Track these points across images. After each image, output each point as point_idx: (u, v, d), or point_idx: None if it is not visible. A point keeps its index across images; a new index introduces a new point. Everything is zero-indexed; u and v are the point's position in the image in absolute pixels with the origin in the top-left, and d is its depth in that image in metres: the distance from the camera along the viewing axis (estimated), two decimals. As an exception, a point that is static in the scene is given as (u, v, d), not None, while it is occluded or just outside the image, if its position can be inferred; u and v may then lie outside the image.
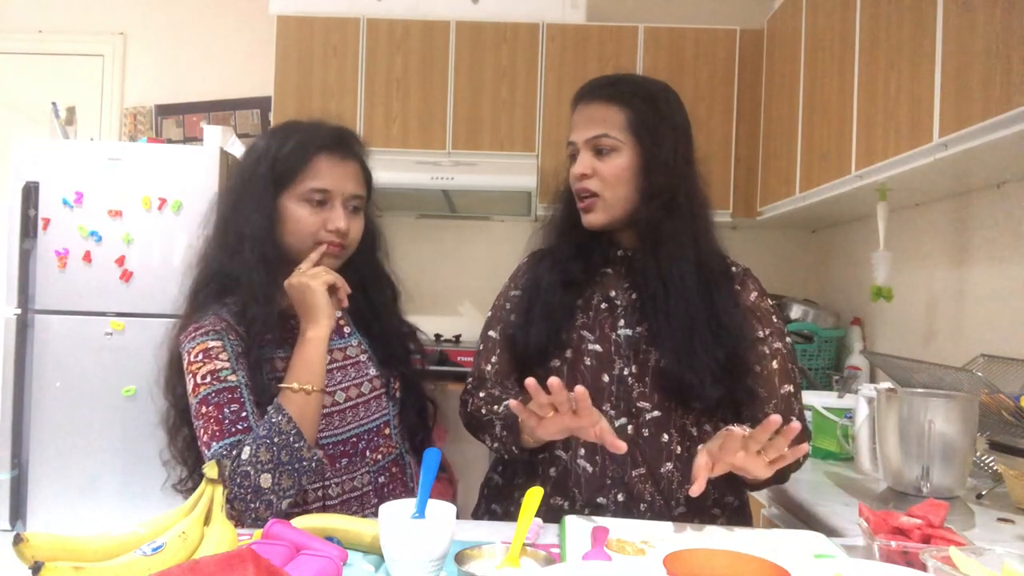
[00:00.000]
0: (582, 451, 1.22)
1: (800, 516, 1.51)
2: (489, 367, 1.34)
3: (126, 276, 2.66)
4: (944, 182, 1.95)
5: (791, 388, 1.27)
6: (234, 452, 1.07)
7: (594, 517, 1.13)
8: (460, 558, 0.89)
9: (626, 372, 1.23)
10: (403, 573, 0.88)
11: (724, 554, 0.85)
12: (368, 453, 1.27)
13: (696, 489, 1.04)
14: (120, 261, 2.66)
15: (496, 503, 1.33)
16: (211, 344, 1.15)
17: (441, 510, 0.93)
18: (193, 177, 2.68)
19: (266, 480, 1.06)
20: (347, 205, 1.25)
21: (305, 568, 0.85)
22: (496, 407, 1.23)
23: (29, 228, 2.66)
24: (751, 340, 1.24)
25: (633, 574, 0.86)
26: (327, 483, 1.22)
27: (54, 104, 3.05)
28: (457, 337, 3.17)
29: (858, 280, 2.72)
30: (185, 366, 1.16)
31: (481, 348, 1.37)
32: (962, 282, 2.06)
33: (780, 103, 2.69)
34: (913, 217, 2.30)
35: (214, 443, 1.08)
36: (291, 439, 1.08)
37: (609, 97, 1.26)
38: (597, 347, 1.25)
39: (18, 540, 0.81)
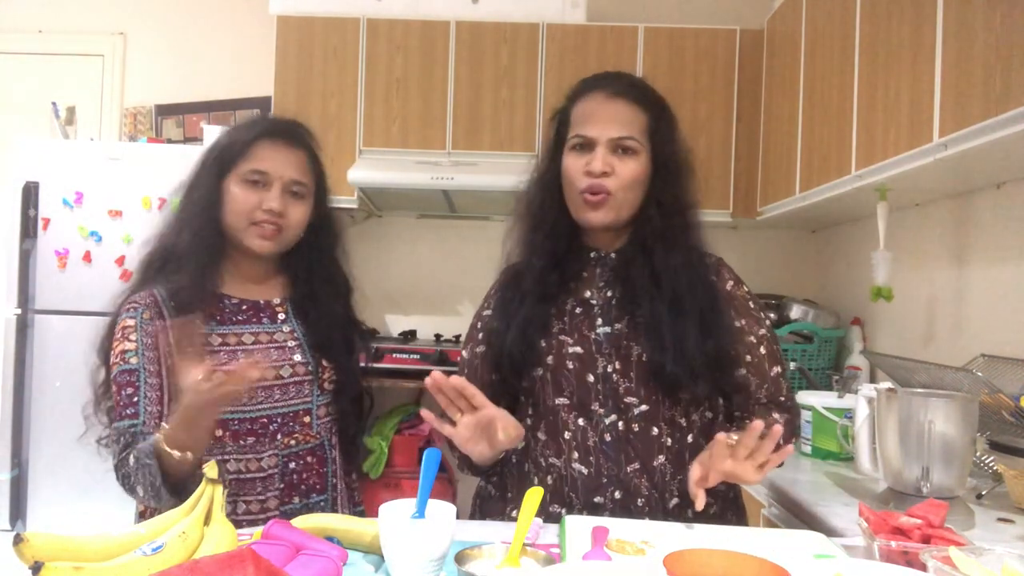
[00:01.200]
0: (576, 455, 1.22)
1: (800, 516, 1.51)
2: None
3: (126, 276, 2.66)
4: (944, 182, 1.95)
5: (779, 369, 1.30)
6: (122, 440, 1.18)
7: (594, 517, 1.13)
8: (460, 558, 0.89)
9: (610, 369, 1.23)
10: (403, 573, 0.88)
11: (724, 554, 0.86)
12: (279, 436, 1.29)
13: (700, 505, 1.07)
14: (120, 261, 2.66)
15: (489, 515, 1.32)
16: (129, 322, 1.23)
17: (441, 510, 0.93)
18: (193, 177, 2.68)
19: (140, 490, 1.16)
20: (287, 189, 1.30)
21: (305, 568, 0.85)
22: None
23: (29, 228, 2.66)
24: (736, 331, 1.26)
25: (633, 574, 0.86)
26: (226, 457, 1.25)
27: (54, 104, 3.05)
28: (457, 337, 3.17)
29: (858, 280, 2.72)
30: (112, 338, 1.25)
31: (458, 368, 1.37)
32: (962, 282, 2.06)
33: (780, 103, 2.69)
34: (913, 217, 2.30)
35: (115, 421, 1.21)
36: (157, 481, 1.13)
37: (634, 98, 1.25)
38: (578, 349, 1.25)
39: (18, 540, 0.81)
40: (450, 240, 3.38)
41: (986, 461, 1.58)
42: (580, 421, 1.23)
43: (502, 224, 3.88)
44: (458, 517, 0.96)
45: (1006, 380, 1.63)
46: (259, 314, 1.33)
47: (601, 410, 1.22)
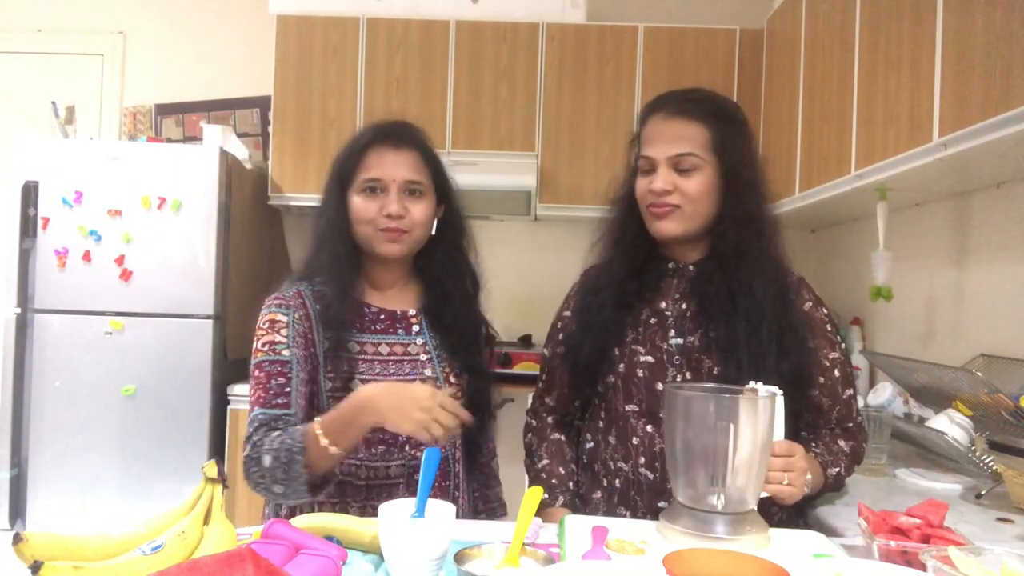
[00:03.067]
0: (643, 460, 1.25)
1: (800, 516, 1.51)
2: (550, 400, 1.43)
3: (125, 275, 2.66)
4: (944, 182, 1.95)
5: (851, 391, 1.32)
6: (265, 427, 1.18)
7: (594, 517, 1.13)
8: (460, 558, 0.89)
9: (679, 380, 1.25)
10: (403, 573, 0.88)
11: (724, 554, 0.86)
12: (408, 448, 1.29)
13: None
14: (120, 260, 2.66)
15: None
16: (279, 317, 1.26)
17: (441, 510, 0.93)
18: (193, 176, 2.68)
19: (276, 485, 1.15)
20: (403, 191, 1.31)
21: (305, 568, 0.85)
22: (538, 463, 1.36)
23: (29, 227, 2.66)
24: (812, 352, 1.26)
25: (633, 574, 0.86)
26: (358, 463, 1.27)
27: (53, 103, 3.05)
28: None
29: (858, 280, 2.71)
30: (255, 329, 1.28)
31: (542, 365, 1.46)
32: (962, 282, 2.06)
33: (780, 103, 2.69)
34: (913, 217, 2.30)
35: (256, 407, 1.21)
36: (292, 462, 1.13)
37: (692, 114, 1.25)
38: (649, 358, 1.27)
39: (18, 539, 0.81)
40: (450, 240, 3.37)
41: (986, 461, 1.58)
42: (648, 428, 1.25)
43: (502, 224, 3.92)
44: (458, 517, 0.96)
45: (1006, 380, 1.63)
46: (395, 325, 1.34)
47: None
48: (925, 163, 1.65)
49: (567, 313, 1.42)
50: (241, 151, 3.03)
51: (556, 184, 3.02)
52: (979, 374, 1.57)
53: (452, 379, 1.36)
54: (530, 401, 1.48)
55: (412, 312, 1.37)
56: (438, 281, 1.38)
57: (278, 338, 1.24)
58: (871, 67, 1.93)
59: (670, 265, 1.33)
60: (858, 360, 2.53)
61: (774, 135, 2.74)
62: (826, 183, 2.17)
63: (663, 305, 1.30)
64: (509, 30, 3.01)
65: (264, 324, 1.27)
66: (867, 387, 2.38)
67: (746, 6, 3.22)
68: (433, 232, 1.37)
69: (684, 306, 1.29)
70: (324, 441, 1.12)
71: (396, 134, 1.34)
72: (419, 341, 1.36)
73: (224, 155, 2.74)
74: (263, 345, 1.24)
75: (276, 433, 1.17)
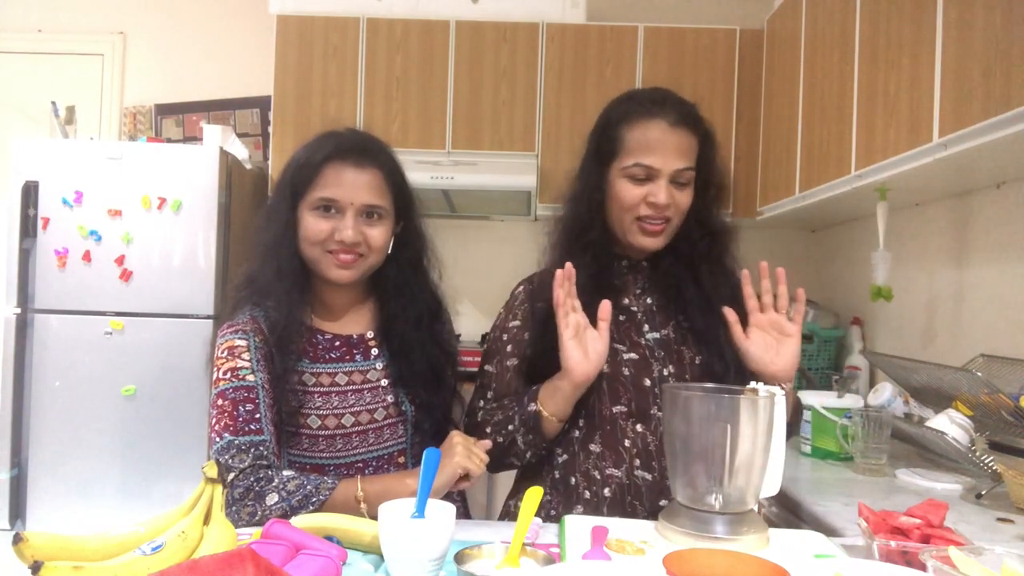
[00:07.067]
0: (638, 462, 1.22)
1: (800, 516, 1.51)
2: (482, 403, 1.31)
3: (125, 276, 2.66)
4: (944, 182, 1.95)
5: None
6: (246, 456, 1.10)
7: (594, 517, 1.13)
8: (460, 558, 0.89)
9: (665, 372, 1.25)
10: (403, 573, 0.87)
11: (724, 554, 0.86)
12: (391, 468, 1.26)
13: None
14: (120, 260, 2.66)
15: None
16: (237, 342, 1.19)
17: (441, 510, 0.93)
18: (193, 176, 2.68)
19: (271, 499, 1.09)
20: (361, 214, 1.22)
21: (305, 567, 0.85)
22: (509, 426, 1.22)
23: (29, 227, 2.66)
24: None
25: (633, 574, 0.86)
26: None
27: (54, 103, 3.05)
28: (456, 337, 3.16)
29: (858, 280, 2.72)
30: (213, 359, 1.20)
31: (479, 384, 1.34)
32: (962, 282, 2.06)
33: (780, 103, 2.69)
34: (913, 217, 2.30)
35: (226, 434, 1.12)
36: (303, 508, 1.08)
37: (691, 126, 1.24)
38: (632, 355, 1.26)
39: (18, 539, 0.81)
40: (450, 240, 3.33)
41: (986, 461, 1.58)
42: (639, 427, 1.23)
43: (502, 224, 3.90)
44: (458, 517, 0.96)
45: (1006, 380, 1.63)
46: (352, 350, 1.27)
47: (660, 413, 1.22)
48: (925, 163, 1.65)
49: (514, 323, 1.32)
50: (241, 151, 3.04)
51: (556, 184, 3.00)
52: (979, 374, 1.57)
53: (418, 401, 1.29)
54: (466, 421, 1.33)
55: (370, 335, 1.30)
56: (391, 302, 1.30)
57: (240, 363, 1.17)
58: (871, 67, 1.93)
59: (624, 263, 1.33)
60: (858, 360, 2.53)
61: (774, 135, 2.74)
62: (826, 183, 2.17)
63: (627, 301, 1.29)
64: (509, 30, 3.01)
65: (223, 352, 1.18)
66: (867, 387, 2.38)
67: (746, 6, 3.22)
68: (389, 250, 1.28)
69: (648, 300, 1.30)
70: (363, 506, 1.09)
71: (358, 150, 1.24)
72: (379, 366, 1.28)
73: (224, 155, 2.74)
74: (224, 373, 1.16)
75: (290, 474, 1.11)
